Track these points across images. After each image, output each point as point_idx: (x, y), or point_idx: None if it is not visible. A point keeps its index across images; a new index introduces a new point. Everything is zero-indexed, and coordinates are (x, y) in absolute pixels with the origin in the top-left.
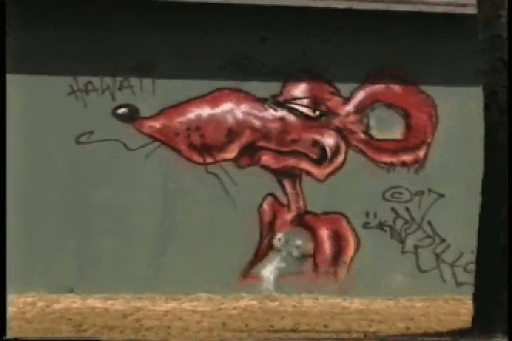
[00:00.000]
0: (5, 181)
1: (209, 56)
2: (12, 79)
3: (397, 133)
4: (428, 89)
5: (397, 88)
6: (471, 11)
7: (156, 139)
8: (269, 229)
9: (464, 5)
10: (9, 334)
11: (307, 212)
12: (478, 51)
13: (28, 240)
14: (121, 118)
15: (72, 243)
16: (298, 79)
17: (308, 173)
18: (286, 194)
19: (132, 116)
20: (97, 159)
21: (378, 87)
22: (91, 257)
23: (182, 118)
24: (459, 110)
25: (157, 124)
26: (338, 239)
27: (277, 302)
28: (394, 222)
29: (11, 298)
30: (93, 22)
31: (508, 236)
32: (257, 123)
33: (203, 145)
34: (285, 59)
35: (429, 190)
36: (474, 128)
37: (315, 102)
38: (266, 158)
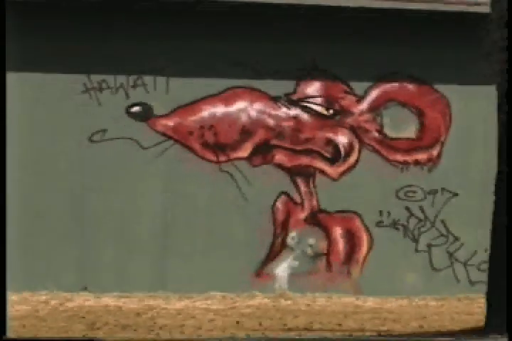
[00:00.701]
0: (5, 182)
1: (222, 55)
2: (25, 77)
3: (410, 131)
4: (442, 88)
5: (410, 87)
6: (485, 9)
7: (169, 137)
8: (282, 227)
9: (477, 3)
10: (23, 333)
11: (321, 211)
12: (491, 51)
13: (43, 238)
14: (135, 116)
15: (86, 241)
16: (311, 78)
17: (322, 172)
18: (299, 192)
19: (146, 115)
20: (111, 157)
21: (392, 86)
22: (104, 255)
23: (195, 117)
24: (473, 109)
25: (171, 123)
26: (351, 237)
27: (291, 301)
28: (407, 220)
29: (24, 296)
30: (107, 20)
31: None
32: (270, 121)
33: (217, 143)
34: (299, 57)
35: (443, 189)
36: (488, 128)
37: (329, 101)
38: (279, 157)
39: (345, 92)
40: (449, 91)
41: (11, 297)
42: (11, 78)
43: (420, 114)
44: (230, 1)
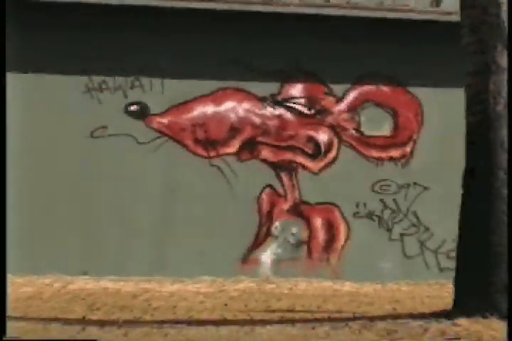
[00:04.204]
0: (4, 173)
1: (213, 58)
2: (31, 78)
3: (385, 130)
4: (415, 90)
5: (386, 89)
6: (455, 18)
7: (164, 134)
8: (267, 217)
9: (448, 13)
10: (28, 313)
11: (302, 202)
12: (461, 55)
13: (47, 226)
14: (133, 114)
15: (88, 228)
16: (295, 80)
17: (304, 167)
18: (283, 185)
19: (142, 113)
20: (110, 152)
21: (369, 88)
22: (104, 242)
23: (188, 115)
24: (443, 109)
25: (165, 120)
26: (330, 227)
27: (274, 285)
28: (382, 212)
29: (30, 279)
30: (106, 25)
31: (509, 233)
32: (256, 120)
33: (207, 140)
34: (284, 61)
35: (415, 183)
36: (457, 126)
37: (310, 101)
38: (265, 153)
39: (326, 93)
40: (422, 92)
41: (17, 280)
42: (14, 79)
43: (394, 114)
44: (222, 10)
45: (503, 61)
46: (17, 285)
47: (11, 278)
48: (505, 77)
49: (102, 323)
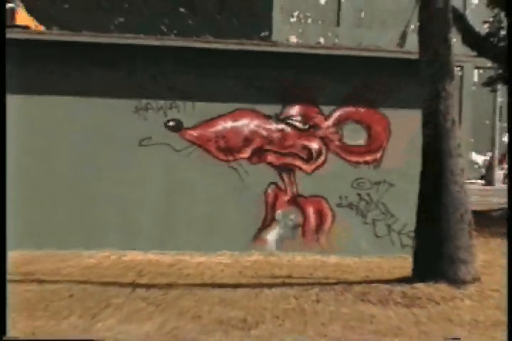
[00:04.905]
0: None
1: (231, 86)
2: (97, 102)
3: (361, 141)
4: (384, 111)
5: (362, 110)
6: (415, 56)
7: (194, 143)
8: (272, 206)
9: (410, 52)
10: (92, 278)
11: (299, 195)
12: (419, 84)
13: (108, 213)
14: (171, 128)
15: (143, 215)
16: (293, 102)
17: (300, 168)
18: (284, 183)
19: (178, 127)
20: (154, 157)
21: (350, 109)
22: (150, 225)
23: (213, 129)
24: (405, 125)
25: (195, 133)
26: (320, 214)
27: (277, 258)
28: (359, 202)
29: (92, 252)
30: (153, 63)
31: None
32: (264, 133)
33: (227, 148)
34: (285, 88)
35: (384, 181)
36: (415, 138)
37: (305, 119)
38: (270, 157)
39: (317, 113)
40: (389, 113)
41: (84, 253)
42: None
43: (368, 129)
44: (238, 50)
45: (451, 89)
46: (82, 257)
47: (78, 253)
48: (452, 101)
49: (147, 286)
